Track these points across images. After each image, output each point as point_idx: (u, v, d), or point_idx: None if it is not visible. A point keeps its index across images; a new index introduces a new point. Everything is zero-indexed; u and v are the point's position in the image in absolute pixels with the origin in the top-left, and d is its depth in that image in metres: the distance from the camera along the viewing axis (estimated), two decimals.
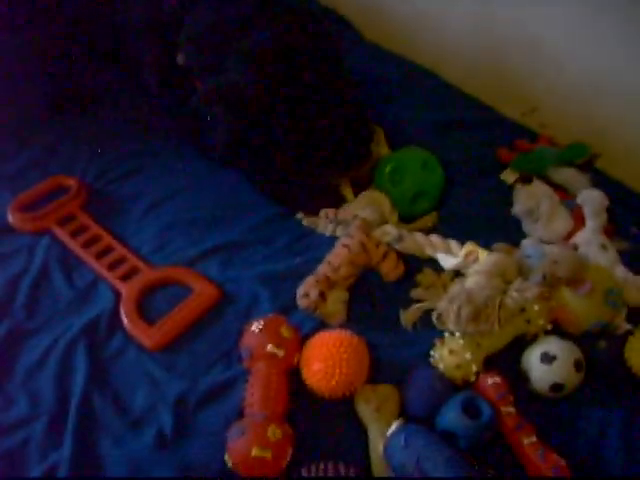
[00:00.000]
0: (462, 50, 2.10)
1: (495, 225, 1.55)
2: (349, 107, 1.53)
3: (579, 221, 1.50)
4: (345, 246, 1.38)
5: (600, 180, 1.65)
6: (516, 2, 1.96)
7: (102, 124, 1.81)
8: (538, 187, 1.55)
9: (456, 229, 1.52)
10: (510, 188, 1.61)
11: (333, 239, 1.46)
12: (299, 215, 1.56)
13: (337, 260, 1.36)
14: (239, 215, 1.56)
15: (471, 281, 1.32)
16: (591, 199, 1.47)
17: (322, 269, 1.36)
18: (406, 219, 1.57)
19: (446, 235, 1.49)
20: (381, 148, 1.69)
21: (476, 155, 1.74)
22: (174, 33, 1.59)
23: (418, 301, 1.35)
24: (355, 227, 1.42)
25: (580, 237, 1.47)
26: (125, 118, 1.81)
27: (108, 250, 1.47)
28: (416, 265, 1.43)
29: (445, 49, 2.13)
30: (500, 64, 2.04)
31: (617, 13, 1.73)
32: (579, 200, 1.48)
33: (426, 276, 1.40)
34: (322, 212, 1.50)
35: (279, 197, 1.59)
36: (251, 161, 1.56)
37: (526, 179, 1.57)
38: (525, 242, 1.47)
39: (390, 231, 1.46)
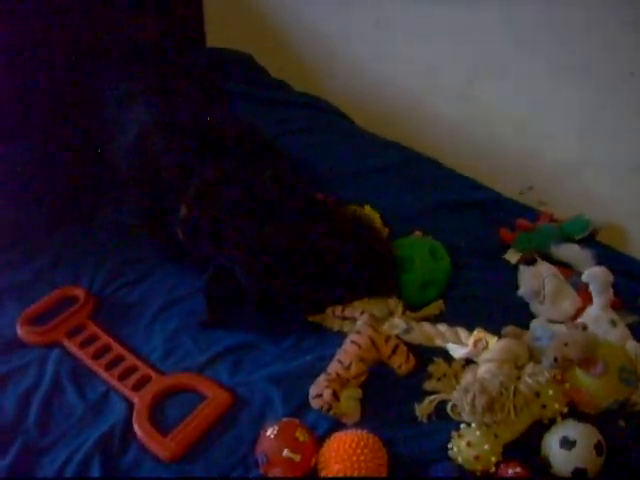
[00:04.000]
0: (454, 134, 2.14)
1: (503, 307, 1.55)
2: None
3: (586, 298, 1.50)
4: (354, 343, 1.38)
5: (602, 253, 1.66)
6: (498, 86, 2.02)
7: (104, 233, 1.84)
8: (542, 267, 1.55)
9: (464, 313, 1.52)
10: (515, 268, 1.62)
11: (341, 335, 1.47)
12: None
13: (347, 358, 1.36)
14: (245, 316, 1.56)
15: (483, 370, 1.32)
16: (596, 276, 1.47)
17: (333, 368, 1.35)
18: (414, 305, 1.56)
19: (454, 320, 1.49)
20: None
21: (478, 237, 1.77)
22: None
23: (432, 393, 1.34)
24: (363, 323, 1.43)
25: (588, 315, 1.47)
26: (125, 226, 1.84)
27: (118, 360, 1.47)
28: (426, 355, 1.43)
29: (438, 135, 2.17)
30: (492, 145, 2.08)
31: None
32: (584, 278, 1.48)
33: (438, 367, 1.39)
34: (329, 309, 1.50)
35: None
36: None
37: (529, 258, 1.58)
38: (534, 324, 1.47)
39: (398, 324, 1.46)
